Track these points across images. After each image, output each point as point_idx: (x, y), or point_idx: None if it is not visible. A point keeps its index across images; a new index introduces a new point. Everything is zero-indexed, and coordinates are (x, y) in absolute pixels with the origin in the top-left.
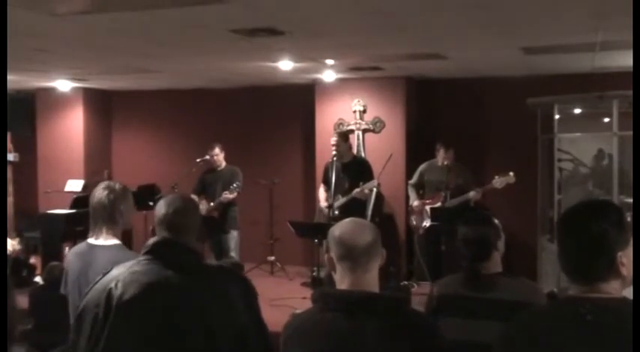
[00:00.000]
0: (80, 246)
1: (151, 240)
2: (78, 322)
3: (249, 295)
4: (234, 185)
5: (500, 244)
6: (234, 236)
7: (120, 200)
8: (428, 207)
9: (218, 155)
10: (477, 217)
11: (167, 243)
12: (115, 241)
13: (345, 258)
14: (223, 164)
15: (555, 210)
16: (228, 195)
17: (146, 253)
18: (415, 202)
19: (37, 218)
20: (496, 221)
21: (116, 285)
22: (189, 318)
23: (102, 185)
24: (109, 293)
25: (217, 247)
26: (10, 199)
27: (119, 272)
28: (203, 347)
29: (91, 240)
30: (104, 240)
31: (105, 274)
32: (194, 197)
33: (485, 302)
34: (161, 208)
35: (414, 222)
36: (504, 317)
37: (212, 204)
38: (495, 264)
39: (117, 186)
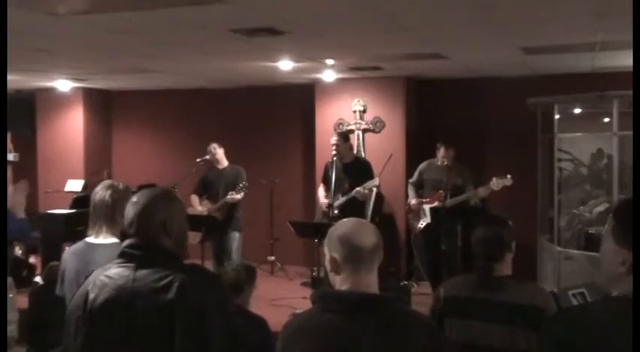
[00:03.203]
0: (78, 245)
1: (125, 243)
2: (66, 325)
3: (223, 300)
4: (241, 185)
5: (513, 246)
6: (236, 237)
7: (122, 200)
8: (426, 207)
9: (216, 149)
10: (493, 217)
11: (139, 245)
12: (115, 240)
13: (351, 259)
14: (225, 163)
15: (555, 210)
16: (235, 196)
17: (119, 256)
18: (413, 201)
19: (37, 218)
20: (510, 222)
21: (92, 289)
22: (158, 321)
23: (104, 184)
24: (86, 297)
25: (218, 248)
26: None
27: (95, 275)
28: (174, 350)
29: (89, 239)
30: (104, 239)
31: (87, 277)
32: (194, 197)
33: (495, 305)
34: (129, 209)
35: (411, 221)
36: (514, 320)
37: (216, 204)
38: (507, 265)
39: (120, 185)
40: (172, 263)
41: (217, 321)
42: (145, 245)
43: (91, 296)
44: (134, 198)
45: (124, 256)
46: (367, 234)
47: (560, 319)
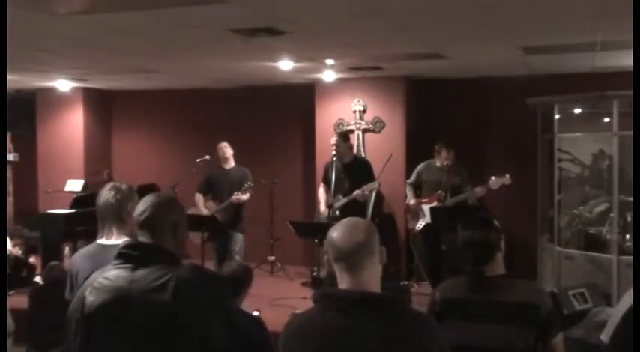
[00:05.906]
0: (89, 248)
1: (121, 244)
2: (65, 328)
3: (224, 298)
4: (247, 185)
5: (502, 244)
6: (239, 238)
7: (127, 199)
8: (425, 207)
9: (226, 148)
10: (477, 220)
11: (138, 245)
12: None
13: (337, 259)
14: (232, 163)
15: (555, 210)
16: (241, 197)
17: (117, 257)
18: (412, 201)
19: (37, 218)
20: (495, 222)
21: (90, 292)
22: (157, 321)
23: (108, 186)
24: (84, 301)
25: (221, 249)
26: (10, 199)
27: (94, 277)
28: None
29: (101, 241)
30: (116, 240)
31: (86, 279)
32: (199, 196)
33: (491, 305)
34: (137, 208)
35: (410, 220)
36: (511, 319)
37: (221, 205)
38: (498, 265)
39: (123, 186)
40: (171, 262)
41: (217, 320)
42: (143, 245)
43: (90, 299)
44: (146, 199)
45: (122, 257)
46: (352, 234)
47: None
